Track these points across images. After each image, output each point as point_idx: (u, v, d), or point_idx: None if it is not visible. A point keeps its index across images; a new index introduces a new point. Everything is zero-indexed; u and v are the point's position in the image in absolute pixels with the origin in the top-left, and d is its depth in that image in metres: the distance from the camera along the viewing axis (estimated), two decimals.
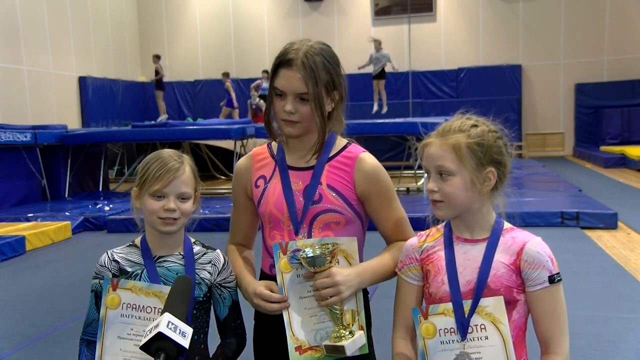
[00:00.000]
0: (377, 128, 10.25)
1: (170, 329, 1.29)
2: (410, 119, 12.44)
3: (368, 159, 1.75)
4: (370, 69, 13.81)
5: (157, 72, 15.37)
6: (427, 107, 17.35)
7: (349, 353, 1.55)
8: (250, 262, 1.86)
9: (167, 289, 1.59)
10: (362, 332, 1.61)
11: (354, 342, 1.57)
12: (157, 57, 15.29)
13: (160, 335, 1.27)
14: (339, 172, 1.73)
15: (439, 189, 1.52)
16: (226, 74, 16.07)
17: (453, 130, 1.54)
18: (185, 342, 1.30)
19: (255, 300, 1.65)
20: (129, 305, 1.61)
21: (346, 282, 1.57)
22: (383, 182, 1.74)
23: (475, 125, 1.55)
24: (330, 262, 1.57)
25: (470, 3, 17.98)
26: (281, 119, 1.70)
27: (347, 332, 1.57)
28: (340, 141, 1.78)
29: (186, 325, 1.33)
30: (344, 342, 1.55)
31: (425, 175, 1.61)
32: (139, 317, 1.61)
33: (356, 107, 15.84)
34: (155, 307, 1.60)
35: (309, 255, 1.55)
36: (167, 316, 1.32)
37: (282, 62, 1.68)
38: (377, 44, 13.50)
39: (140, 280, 1.67)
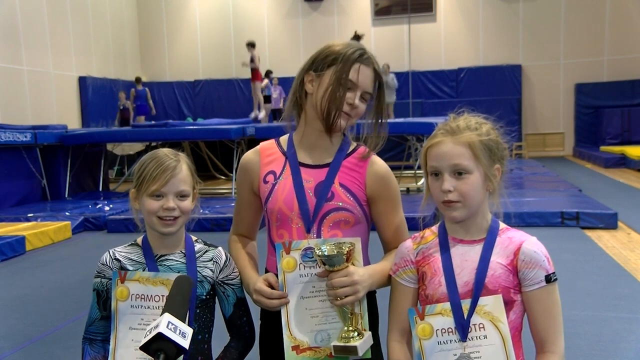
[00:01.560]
0: None
1: (170, 329, 1.28)
2: (410, 119, 12.45)
3: (380, 161, 1.77)
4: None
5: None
6: (427, 107, 17.36)
7: (361, 353, 1.54)
8: (252, 255, 1.86)
9: (173, 276, 1.59)
10: (369, 332, 1.60)
11: (364, 342, 1.56)
12: (251, 45, 13.90)
13: (159, 336, 1.27)
14: (351, 172, 1.74)
15: (454, 188, 1.50)
16: (138, 79, 15.36)
17: (462, 128, 1.53)
18: (185, 343, 1.29)
19: (255, 296, 1.65)
20: (137, 296, 1.62)
21: (362, 282, 1.56)
22: (392, 186, 1.76)
23: (480, 123, 1.56)
24: (347, 261, 1.55)
25: (470, 3, 17.98)
26: (343, 111, 1.70)
27: (356, 334, 1.56)
28: (352, 142, 1.80)
29: (186, 326, 1.33)
30: (356, 343, 1.54)
31: (425, 177, 1.59)
32: (148, 307, 1.61)
33: None
34: (162, 295, 1.61)
35: (325, 254, 1.54)
36: (167, 316, 1.31)
37: (360, 58, 1.70)
38: (386, 68, 13.52)
39: None
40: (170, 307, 1.37)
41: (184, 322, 1.34)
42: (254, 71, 13.98)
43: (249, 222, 1.89)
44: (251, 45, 13.83)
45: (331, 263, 1.54)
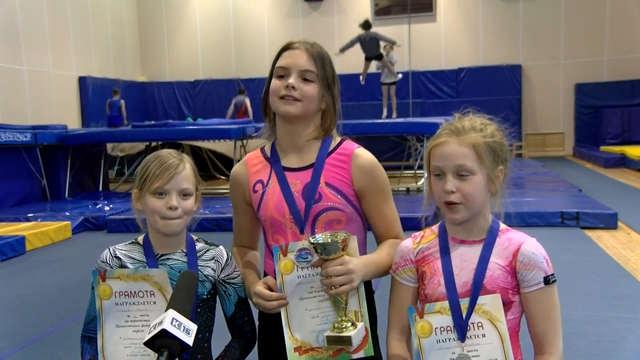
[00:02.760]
0: (377, 128, 10.25)
1: (175, 325, 1.28)
2: (410, 119, 12.44)
3: (364, 154, 1.75)
4: (382, 75, 13.54)
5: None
6: (427, 107, 17.35)
7: (355, 343, 1.53)
8: (253, 264, 1.86)
9: (154, 272, 1.59)
10: (362, 324, 1.59)
11: (358, 332, 1.55)
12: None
13: (163, 333, 1.26)
14: (335, 169, 1.73)
15: (457, 189, 1.49)
16: (115, 91, 15.11)
17: (467, 129, 1.52)
18: (189, 340, 1.29)
19: (255, 299, 1.65)
20: (121, 293, 1.60)
21: (357, 271, 1.55)
22: (379, 178, 1.75)
23: (485, 124, 1.55)
24: (342, 250, 1.55)
25: (470, 3, 17.98)
26: (280, 97, 1.69)
27: (350, 324, 1.56)
28: (335, 139, 1.79)
29: (191, 322, 1.32)
30: (350, 333, 1.53)
31: (426, 175, 1.59)
32: (133, 303, 1.60)
33: (356, 107, 15.85)
34: (147, 291, 1.59)
35: (320, 242, 1.53)
36: (172, 313, 1.30)
37: (287, 46, 1.73)
38: (388, 48, 13.22)
39: None
40: (175, 303, 1.36)
41: (189, 318, 1.34)
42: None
43: (248, 232, 1.90)
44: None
45: (326, 252, 1.53)
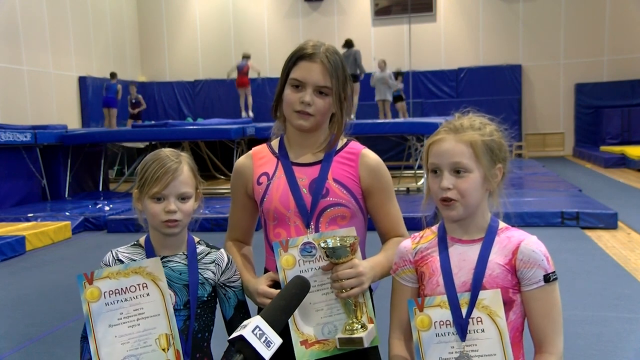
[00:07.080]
0: (377, 128, 10.26)
1: (255, 335, 1.23)
2: (410, 119, 12.44)
3: (371, 154, 1.79)
4: (377, 93, 13.67)
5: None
6: (427, 107, 17.36)
7: (366, 344, 1.55)
8: (249, 259, 1.88)
9: (146, 262, 1.60)
10: (373, 324, 1.61)
11: (369, 333, 1.57)
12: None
13: (241, 338, 1.22)
14: (343, 166, 1.75)
15: (453, 186, 1.49)
16: (112, 74, 15.26)
17: (465, 127, 1.52)
18: (267, 353, 1.23)
19: (259, 299, 1.66)
20: (111, 292, 1.59)
21: (366, 273, 1.58)
22: (385, 177, 1.78)
23: (484, 124, 1.55)
24: (352, 253, 1.57)
25: (470, 3, 17.99)
26: (295, 110, 1.70)
27: (360, 326, 1.58)
28: (342, 138, 1.81)
29: (276, 335, 1.26)
30: (361, 334, 1.55)
31: (425, 175, 1.59)
32: (125, 299, 1.59)
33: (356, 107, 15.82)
34: (139, 284, 1.59)
35: (330, 246, 1.55)
36: (257, 320, 1.26)
37: (304, 55, 1.70)
38: (382, 64, 13.44)
39: None
40: (269, 309, 1.32)
41: (278, 331, 1.27)
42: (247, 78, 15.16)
43: (244, 226, 1.91)
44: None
45: (336, 255, 1.55)
